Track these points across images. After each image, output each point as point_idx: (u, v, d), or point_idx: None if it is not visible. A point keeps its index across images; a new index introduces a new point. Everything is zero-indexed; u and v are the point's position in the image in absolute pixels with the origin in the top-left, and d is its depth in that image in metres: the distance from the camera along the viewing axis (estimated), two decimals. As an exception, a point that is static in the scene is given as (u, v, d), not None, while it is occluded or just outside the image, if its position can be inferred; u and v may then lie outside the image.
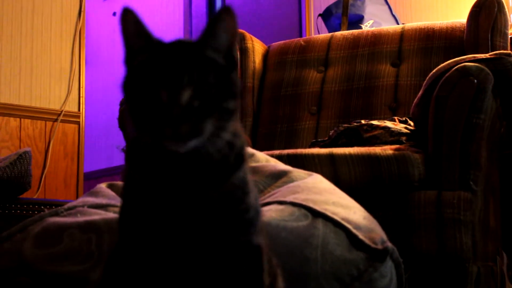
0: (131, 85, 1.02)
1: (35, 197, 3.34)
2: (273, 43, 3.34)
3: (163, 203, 1.06)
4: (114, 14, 6.26)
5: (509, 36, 2.87)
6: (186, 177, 1.05)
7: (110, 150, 4.77)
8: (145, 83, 0.99)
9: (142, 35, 1.04)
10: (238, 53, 3.15)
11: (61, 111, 3.74)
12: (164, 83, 0.97)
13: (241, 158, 1.08)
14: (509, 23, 3.09)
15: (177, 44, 1.04)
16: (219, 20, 1.04)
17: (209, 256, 1.09)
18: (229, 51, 1.06)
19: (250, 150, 2.22)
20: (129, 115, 1.02)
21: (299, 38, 3.36)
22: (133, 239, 1.11)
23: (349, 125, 2.62)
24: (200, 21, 5.68)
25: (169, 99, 0.96)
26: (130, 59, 1.05)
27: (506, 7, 2.82)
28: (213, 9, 5.63)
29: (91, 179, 4.11)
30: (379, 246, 1.85)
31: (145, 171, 1.07)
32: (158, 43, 1.04)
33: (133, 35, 1.04)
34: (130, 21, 1.04)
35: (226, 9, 1.03)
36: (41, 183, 3.61)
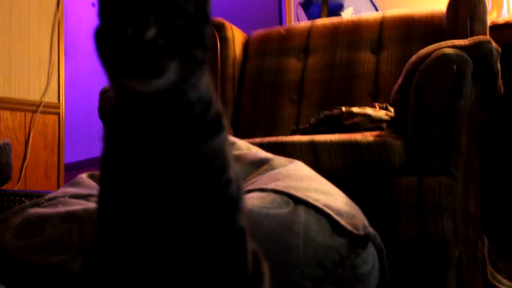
0: (102, 29, 1.02)
1: (15, 188, 3.34)
2: (253, 32, 3.34)
3: (136, 176, 1.06)
4: (93, 4, 6.24)
5: (488, 23, 2.88)
6: (159, 134, 1.04)
7: (91, 141, 4.75)
8: (114, 24, 1.00)
9: None
10: (218, 43, 3.18)
11: (41, 102, 3.73)
12: (131, 20, 0.98)
13: (219, 124, 1.08)
14: (488, 10, 3.10)
15: None
16: None
17: (190, 237, 1.08)
18: (201, 3, 1.05)
19: (231, 138, 2.22)
20: (101, 63, 1.02)
21: (279, 27, 3.37)
22: (111, 225, 1.11)
23: (330, 112, 2.62)
24: None
25: (134, 34, 0.97)
26: (103, 7, 1.05)
27: (485, -6, 2.83)
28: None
29: (72, 170, 4.08)
30: (361, 232, 1.86)
31: (120, 134, 1.07)
32: None
33: None
34: None
35: None
36: (22, 175, 3.60)
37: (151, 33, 0.97)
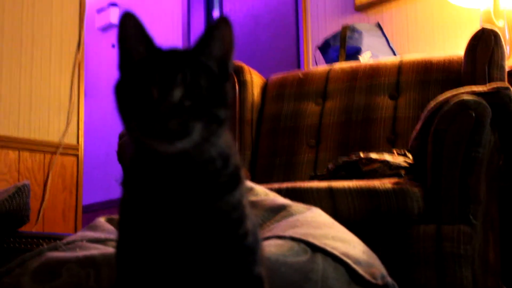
0: (124, 86, 1.03)
1: (33, 230, 3.33)
2: (272, 76, 3.35)
3: (158, 227, 1.06)
4: (113, 46, 6.28)
5: (506, 69, 2.87)
6: (178, 188, 1.05)
7: (109, 183, 4.77)
8: (138, 82, 1.00)
9: (142, 39, 1.05)
10: (237, 86, 3.19)
11: (60, 144, 3.74)
12: (157, 81, 0.98)
13: (237, 178, 1.08)
14: (506, 56, 3.10)
15: (173, 50, 1.06)
16: (215, 29, 1.06)
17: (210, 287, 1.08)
18: (223, 61, 1.07)
19: (249, 183, 2.22)
20: (121, 117, 1.03)
21: (297, 70, 3.38)
22: (129, 273, 1.11)
23: (348, 158, 2.62)
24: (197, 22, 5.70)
25: (160, 95, 0.98)
26: (124, 63, 1.06)
27: (502, 40, 2.82)
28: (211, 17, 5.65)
29: (90, 211, 4.10)
30: (379, 282, 1.84)
31: (138, 184, 1.07)
32: (156, 48, 1.06)
33: (132, 38, 1.05)
34: (130, 25, 1.05)
35: (223, 19, 1.06)
36: (40, 216, 3.60)
37: (177, 94, 0.98)
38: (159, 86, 0.98)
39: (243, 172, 1.12)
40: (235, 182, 1.08)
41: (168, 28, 5.87)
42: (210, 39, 1.06)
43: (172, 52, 1.05)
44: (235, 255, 1.09)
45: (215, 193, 1.06)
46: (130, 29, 1.05)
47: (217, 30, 1.06)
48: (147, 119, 0.97)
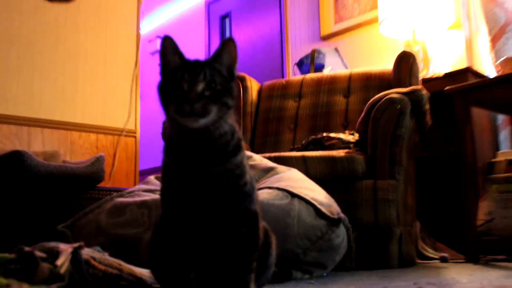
0: (164, 84, 1.05)
1: (107, 186, 3.34)
2: (265, 83, 3.35)
3: (186, 180, 1.07)
4: (159, 64, 6.27)
5: (420, 78, 2.89)
6: (201, 156, 1.05)
7: (156, 155, 4.78)
8: (174, 80, 1.02)
9: (176, 53, 1.07)
10: (241, 90, 3.20)
11: (124, 129, 3.74)
12: (186, 78, 1.01)
13: (239, 147, 1.09)
14: (420, 69, 3.11)
15: (197, 60, 1.07)
16: (223, 46, 1.08)
17: (220, 219, 1.09)
18: (230, 67, 1.08)
19: (249, 153, 2.23)
20: (162, 106, 1.04)
21: (281, 79, 3.37)
22: (167, 211, 1.12)
23: (315, 137, 2.63)
24: (215, 43, 5.71)
25: (189, 88, 1.01)
26: (164, 70, 1.08)
27: (417, 59, 2.84)
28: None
29: (143, 174, 4.09)
30: (335, 216, 1.87)
31: (173, 154, 1.08)
32: (186, 59, 1.08)
33: (170, 53, 1.07)
34: (169, 44, 1.07)
35: (229, 39, 1.08)
36: (111, 177, 3.61)
37: (200, 87, 1.01)
38: (189, 82, 1.01)
39: (244, 143, 1.13)
40: (238, 149, 1.09)
41: (195, 47, 5.86)
42: (221, 52, 1.08)
43: (196, 61, 1.06)
44: (238, 198, 1.10)
45: (225, 157, 1.06)
46: (168, 47, 1.07)
47: (226, 46, 1.08)
48: (180, 103, 0.99)
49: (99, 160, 2.87)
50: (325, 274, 1.90)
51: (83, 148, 3.52)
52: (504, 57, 2.63)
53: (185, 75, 1.01)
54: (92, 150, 3.55)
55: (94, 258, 1.13)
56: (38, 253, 1.02)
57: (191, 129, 1.02)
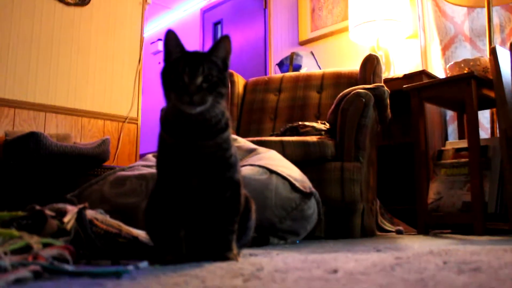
0: (167, 72, 1.03)
1: (112, 165, 3.30)
2: (250, 79, 3.33)
3: (179, 151, 1.05)
4: (159, 63, 6.21)
5: (382, 77, 2.88)
6: (195, 132, 1.04)
7: (155, 140, 4.74)
8: (175, 71, 1.01)
9: (178, 45, 1.05)
10: (229, 84, 3.16)
11: (127, 117, 3.71)
12: (187, 71, 1.00)
13: (227, 125, 1.09)
14: (383, 70, 3.10)
15: (196, 52, 1.05)
16: (220, 41, 1.07)
17: (208, 185, 1.08)
18: (224, 60, 1.07)
19: (234, 136, 2.21)
20: (164, 91, 1.03)
21: (264, 76, 3.35)
22: (162, 179, 1.10)
23: (291, 125, 2.62)
24: (208, 46, 5.64)
25: (189, 80, 1.00)
26: (167, 59, 1.06)
27: (381, 61, 2.83)
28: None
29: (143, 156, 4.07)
30: (308, 190, 1.86)
31: (170, 129, 1.07)
32: (186, 51, 1.06)
33: (172, 45, 1.05)
34: (172, 37, 1.05)
35: (225, 36, 1.07)
36: (115, 157, 3.58)
37: (199, 79, 1.00)
38: (189, 75, 1.00)
39: (231, 123, 1.12)
40: (226, 127, 1.08)
41: (191, 49, 5.83)
42: (218, 46, 1.06)
43: (196, 53, 1.05)
44: (224, 167, 1.08)
45: (215, 133, 1.06)
46: (171, 39, 1.05)
47: (223, 41, 1.06)
48: (181, 94, 0.99)
49: (105, 142, 2.84)
50: (297, 242, 1.89)
51: (91, 132, 3.48)
52: (453, 62, 2.64)
53: (186, 68, 1.00)
54: (100, 134, 3.52)
55: (96, 219, 1.11)
56: (48, 212, 0.99)
57: (189, 113, 1.01)
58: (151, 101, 5.43)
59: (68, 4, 3.49)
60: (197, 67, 1.00)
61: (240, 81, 3.23)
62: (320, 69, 3.73)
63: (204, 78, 1.00)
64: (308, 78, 3.07)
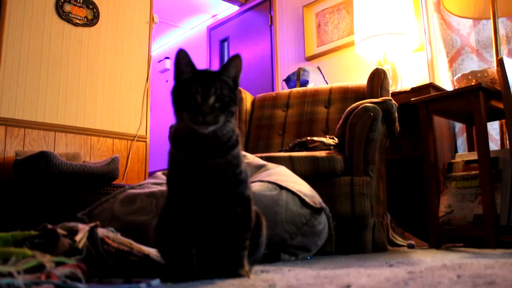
0: (178, 91, 1.02)
1: (121, 183, 3.31)
2: (257, 95, 3.34)
3: (190, 169, 1.05)
4: (167, 81, 6.25)
5: (390, 91, 2.88)
6: (206, 149, 1.05)
7: (164, 158, 4.76)
8: (187, 91, 1.01)
9: (189, 64, 1.05)
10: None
11: (136, 135, 3.72)
12: (200, 91, 1.00)
13: (237, 141, 1.09)
14: (390, 84, 3.11)
15: (207, 71, 1.05)
16: (231, 60, 1.07)
17: (219, 202, 1.08)
18: (235, 79, 1.07)
19: (243, 152, 2.22)
20: (174, 109, 1.03)
21: (271, 92, 3.36)
22: (173, 196, 1.10)
23: (300, 140, 2.62)
24: (215, 63, 5.70)
25: (202, 100, 0.99)
26: (178, 78, 1.05)
27: (388, 74, 2.83)
28: (223, 59, 5.65)
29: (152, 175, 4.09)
30: (318, 206, 1.85)
31: (180, 147, 1.07)
32: (197, 70, 1.05)
33: (183, 64, 1.05)
34: (183, 56, 1.05)
35: (236, 56, 1.07)
36: (125, 176, 3.59)
37: (212, 100, 1.00)
38: (202, 95, 1.00)
39: (240, 140, 1.12)
40: (236, 143, 1.09)
41: (198, 66, 5.89)
42: (229, 65, 1.06)
43: (207, 73, 1.04)
44: (234, 184, 1.08)
45: (225, 151, 1.06)
46: (183, 58, 1.05)
47: (233, 61, 1.07)
48: (194, 114, 0.99)
49: (114, 161, 2.86)
50: (308, 258, 1.88)
51: (100, 151, 3.50)
52: (460, 74, 2.64)
53: (198, 88, 1.00)
54: (109, 152, 3.54)
55: (108, 237, 1.11)
56: (60, 230, 1.00)
57: (201, 133, 1.01)
58: (159, 119, 5.47)
59: (76, 24, 3.54)
60: (210, 87, 1.00)
61: (248, 98, 3.24)
62: (327, 84, 3.74)
63: (217, 98, 1.00)
64: (315, 93, 3.08)
